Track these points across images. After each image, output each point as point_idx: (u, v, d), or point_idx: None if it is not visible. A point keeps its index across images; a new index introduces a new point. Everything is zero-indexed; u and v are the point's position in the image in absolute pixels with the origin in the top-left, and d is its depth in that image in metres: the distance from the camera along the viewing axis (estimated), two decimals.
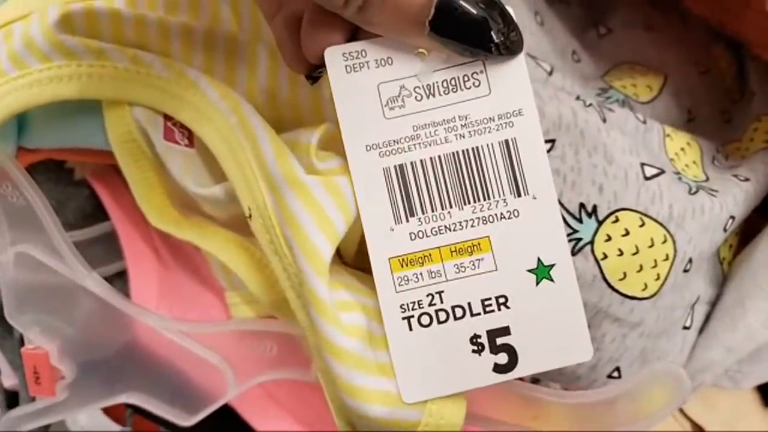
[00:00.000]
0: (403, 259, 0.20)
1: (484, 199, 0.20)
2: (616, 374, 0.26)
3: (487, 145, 0.20)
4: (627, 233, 0.24)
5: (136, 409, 0.38)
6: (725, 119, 0.35)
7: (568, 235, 0.24)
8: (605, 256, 0.24)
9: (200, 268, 0.30)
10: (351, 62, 0.20)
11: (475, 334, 0.20)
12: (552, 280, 0.20)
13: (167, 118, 0.24)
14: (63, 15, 0.23)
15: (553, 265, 0.20)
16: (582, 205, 0.24)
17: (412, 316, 0.20)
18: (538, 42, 0.31)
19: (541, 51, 0.30)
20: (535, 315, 0.20)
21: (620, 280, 0.24)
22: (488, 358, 0.20)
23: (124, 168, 0.25)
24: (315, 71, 0.21)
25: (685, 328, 0.28)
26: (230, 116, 0.22)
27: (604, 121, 0.26)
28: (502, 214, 0.20)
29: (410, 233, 0.20)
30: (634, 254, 0.24)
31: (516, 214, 0.20)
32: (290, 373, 0.26)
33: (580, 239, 0.24)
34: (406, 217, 0.20)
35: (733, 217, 0.27)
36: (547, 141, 0.25)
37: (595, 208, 0.24)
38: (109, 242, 0.31)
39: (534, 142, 0.20)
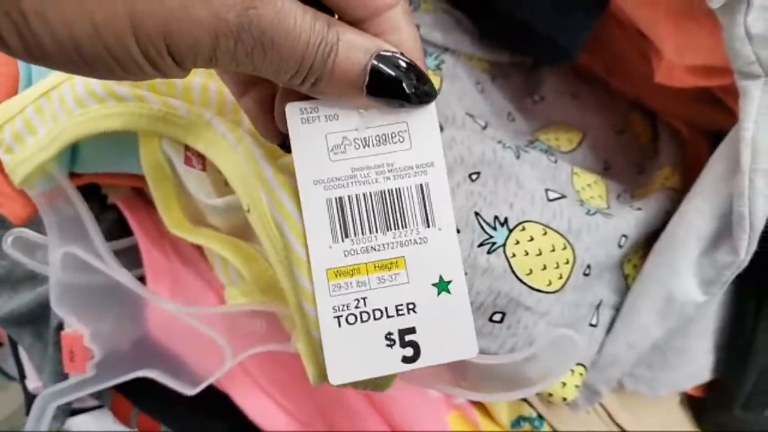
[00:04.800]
0: (337, 271, 0.25)
1: (402, 228, 0.25)
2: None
3: (407, 187, 0.25)
4: (532, 239, 0.31)
5: (141, 408, 0.45)
6: (638, 170, 0.43)
7: (486, 239, 0.31)
8: (514, 255, 0.31)
9: (204, 273, 0.38)
10: (306, 116, 0.24)
11: (389, 332, 0.25)
12: (449, 292, 0.25)
13: (187, 148, 0.32)
14: None
15: (450, 281, 0.25)
16: (496, 217, 0.31)
17: (342, 316, 0.24)
18: (477, 104, 0.39)
19: (479, 111, 0.39)
20: (435, 319, 0.25)
21: (527, 275, 0.31)
22: (398, 351, 0.25)
23: (152, 187, 0.33)
24: (287, 141, 0.25)
25: (592, 325, 0.35)
26: (236, 145, 0.30)
27: (518, 157, 0.34)
28: (415, 239, 0.25)
29: (344, 251, 0.25)
30: (538, 255, 0.31)
31: (425, 240, 0.25)
32: (275, 346, 0.32)
33: (494, 243, 0.31)
34: (342, 238, 0.25)
35: (626, 236, 0.34)
36: (474, 173, 0.33)
37: (506, 219, 0.31)
38: (131, 254, 0.39)
39: (442, 187, 0.25)
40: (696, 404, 0.47)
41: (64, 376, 0.36)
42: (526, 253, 0.31)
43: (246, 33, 0.20)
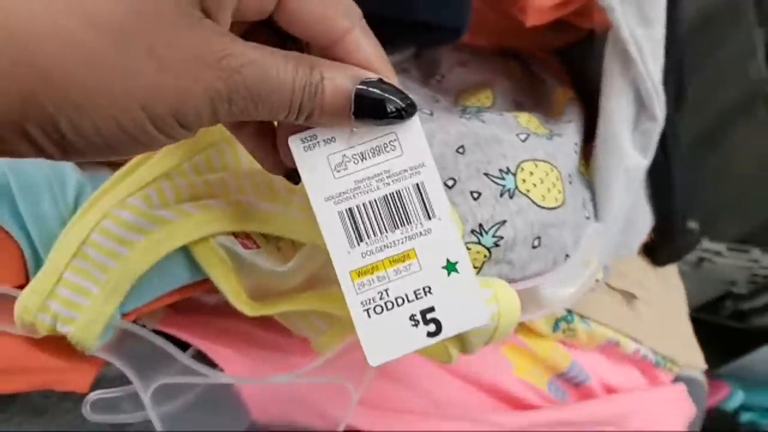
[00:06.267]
0: (359, 271, 0.28)
1: (408, 224, 0.28)
2: None
3: (405, 188, 0.28)
4: (532, 173, 0.39)
5: None
6: (538, 101, 0.52)
7: (503, 189, 0.38)
8: (528, 190, 0.38)
9: (275, 345, 0.40)
10: (307, 144, 0.27)
11: (412, 314, 0.28)
12: (457, 272, 0.28)
13: (235, 235, 0.34)
14: (146, 197, 0.32)
15: (457, 262, 0.29)
16: (500, 170, 0.38)
17: (370, 308, 0.28)
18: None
19: (419, 104, 0.45)
20: (449, 296, 0.28)
21: (543, 200, 0.38)
22: (423, 329, 0.28)
23: (220, 283, 0.34)
24: (292, 172, 0.28)
25: (587, 218, 0.43)
26: (285, 210, 0.33)
27: (483, 122, 0.40)
28: (420, 232, 0.28)
29: (361, 253, 0.28)
30: (542, 183, 0.39)
31: (429, 231, 0.28)
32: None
33: (509, 188, 0.38)
34: (357, 242, 0.28)
35: (576, 143, 0.43)
36: (459, 147, 0.39)
37: (507, 168, 0.38)
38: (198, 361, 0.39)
39: (435, 182, 0.28)
40: (648, 248, 0.58)
41: None
42: (534, 185, 0.38)
43: (236, 94, 0.23)
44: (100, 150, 0.22)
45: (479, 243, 0.36)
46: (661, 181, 0.52)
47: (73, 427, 0.38)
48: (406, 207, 0.28)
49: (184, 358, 0.35)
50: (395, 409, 0.41)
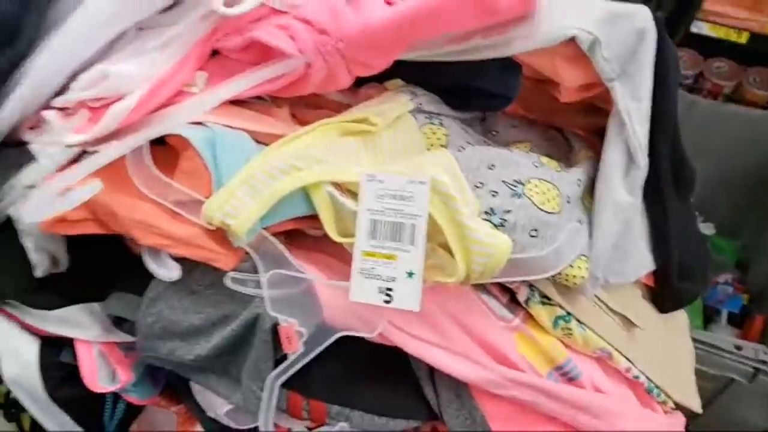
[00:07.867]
0: (366, 252, 0.49)
1: (400, 242, 0.49)
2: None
3: (407, 224, 0.49)
4: (537, 186, 0.57)
5: (312, 396, 0.62)
6: (566, 159, 0.71)
7: (513, 192, 0.56)
8: (532, 196, 0.56)
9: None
10: (370, 181, 0.52)
11: (380, 287, 0.49)
12: (412, 278, 0.50)
13: (334, 185, 0.55)
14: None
15: (414, 273, 0.49)
16: (514, 180, 0.56)
17: (362, 272, 0.50)
18: (470, 138, 0.65)
19: (471, 141, 0.65)
20: (402, 287, 0.49)
21: (542, 204, 0.56)
22: (383, 296, 0.49)
23: (322, 215, 0.55)
24: None
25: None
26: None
27: (511, 152, 0.60)
28: (403, 249, 0.49)
29: (371, 244, 0.50)
30: (544, 194, 0.56)
31: (408, 251, 0.49)
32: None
33: (518, 193, 0.56)
34: (371, 238, 0.50)
35: (579, 180, 0.61)
36: (491, 165, 0.58)
37: (519, 180, 0.57)
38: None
39: (422, 228, 0.49)
40: (652, 292, 0.72)
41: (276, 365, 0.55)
42: (537, 194, 0.56)
43: None
44: None
45: (489, 221, 0.54)
46: (659, 234, 0.67)
47: (213, 304, 0.58)
48: (402, 233, 0.49)
49: (292, 259, 0.55)
50: (412, 335, 0.58)
